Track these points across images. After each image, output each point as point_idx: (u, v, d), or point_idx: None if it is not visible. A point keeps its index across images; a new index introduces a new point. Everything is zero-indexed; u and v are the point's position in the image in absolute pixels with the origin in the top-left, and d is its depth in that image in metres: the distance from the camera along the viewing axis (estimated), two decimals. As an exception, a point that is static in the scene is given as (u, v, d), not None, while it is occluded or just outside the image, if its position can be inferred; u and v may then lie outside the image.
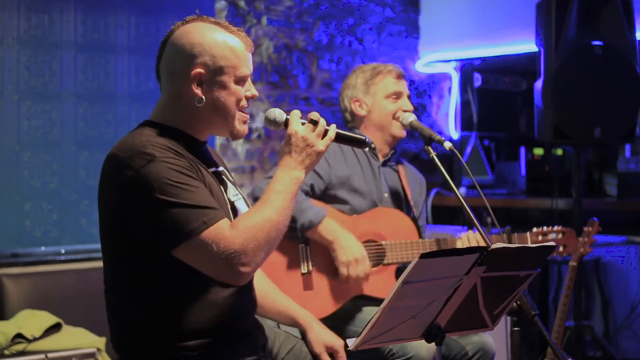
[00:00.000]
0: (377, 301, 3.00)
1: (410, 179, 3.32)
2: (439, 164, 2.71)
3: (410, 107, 3.23)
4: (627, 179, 4.59)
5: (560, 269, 4.77)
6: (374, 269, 3.06)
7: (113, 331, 2.21)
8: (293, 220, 2.94)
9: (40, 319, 3.35)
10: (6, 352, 3.19)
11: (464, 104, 5.62)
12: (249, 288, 2.29)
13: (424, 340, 2.12)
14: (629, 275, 4.88)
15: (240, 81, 2.21)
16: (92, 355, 3.27)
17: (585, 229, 3.54)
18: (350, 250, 2.96)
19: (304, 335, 2.53)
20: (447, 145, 2.74)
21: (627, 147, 4.75)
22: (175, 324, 2.12)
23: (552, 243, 2.20)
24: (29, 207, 3.95)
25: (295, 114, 2.25)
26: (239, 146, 4.64)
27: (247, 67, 2.22)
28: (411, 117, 3.10)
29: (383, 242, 3.05)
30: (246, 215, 2.10)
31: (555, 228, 3.20)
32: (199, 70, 2.16)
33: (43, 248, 3.96)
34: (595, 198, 4.68)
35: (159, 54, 2.23)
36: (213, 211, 2.04)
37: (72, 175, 4.06)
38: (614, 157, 4.80)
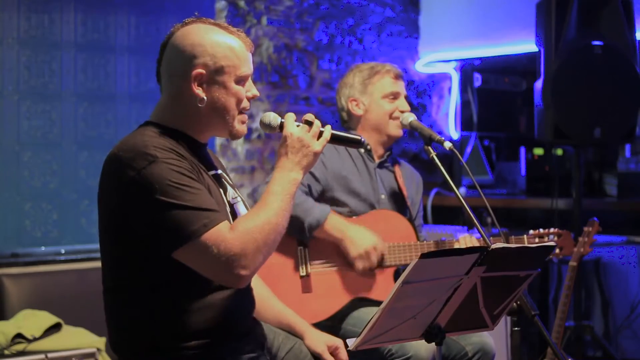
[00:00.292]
0: (375, 303, 3.00)
1: (406, 178, 3.31)
2: (439, 164, 2.70)
3: (407, 108, 3.23)
4: (627, 179, 4.59)
5: (560, 269, 4.77)
6: (370, 271, 3.06)
7: (111, 331, 2.21)
8: (299, 221, 2.94)
9: (40, 319, 3.35)
10: (6, 352, 3.19)
11: (464, 104, 5.62)
12: (247, 288, 2.29)
13: (423, 340, 2.12)
14: (629, 275, 4.88)
15: (240, 81, 2.21)
16: (92, 355, 3.27)
17: (585, 229, 3.54)
18: (360, 244, 2.97)
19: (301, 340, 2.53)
20: (447, 145, 2.74)
21: (627, 147, 4.74)
22: (174, 324, 2.12)
23: (552, 243, 2.20)
24: (29, 207, 3.95)
25: (290, 116, 2.25)
26: (239, 146, 4.64)
27: (247, 67, 2.22)
28: (411, 117, 3.09)
29: None
30: (245, 218, 2.11)
31: (552, 230, 3.21)
32: (200, 70, 2.16)
33: (43, 248, 3.97)
34: (595, 198, 4.68)
35: (159, 57, 2.24)
36: (214, 214, 2.04)
37: (72, 175, 4.06)
38: (614, 157, 4.80)
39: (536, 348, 4.54)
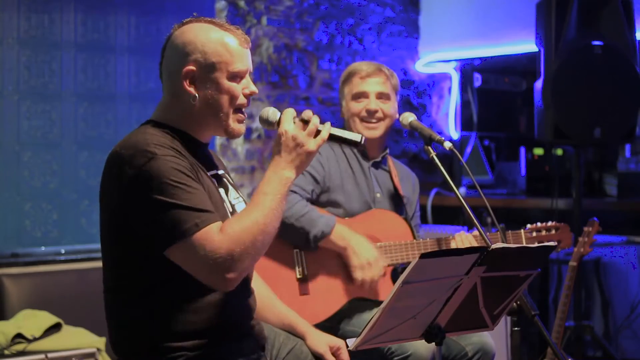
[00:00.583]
0: (373, 303, 3.00)
1: (402, 178, 3.29)
2: (439, 164, 2.70)
3: (375, 107, 3.13)
4: (627, 179, 4.59)
5: (560, 269, 4.77)
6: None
7: (112, 331, 2.21)
8: (305, 232, 2.94)
9: (40, 319, 3.35)
10: (6, 352, 3.19)
11: (464, 104, 5.63)
12: (247, 288, 2.29)
13: (423, 340, 2.13)
14: (629, 275, 4.88)
15: (234, 77, 2.19)
16: (92, 355, 3.27)
17: (585, 229, 3.54)
18: (362, 254, 2.96)
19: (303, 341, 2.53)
20: (447, 145, 2.73)
21: (627, 147, 4.75)
22: (173, 324, 2.12)
23: (552, 243, 2.19)
24: (29, 207, 3.95)
25: (288, 112, 2.21)
26: (239, 146, 4.64)
27: (241, 63, 2.19)
28: (411, 117, 3.08)
29: (377, 244, 3.04)
30: (234, 219, 2.07)
31: (550, 224, 3.18)
32: (191, 67, 2.16)
33: (43, 248, 3.97)
34: (595, 198, 4.68)
35: (161, 58, 2.25)
36: (206, 214, 2.03)
37: (72, 175, 4.06)
38: (614, 157, 4.80)
39: (536, 348, 4.54)
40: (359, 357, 2.50)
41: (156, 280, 2.11)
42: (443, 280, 2.01)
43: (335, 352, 2.48)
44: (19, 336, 3.23)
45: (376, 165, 3.24)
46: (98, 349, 3.31)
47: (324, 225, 2.96)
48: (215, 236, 2.01)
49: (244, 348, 2.22)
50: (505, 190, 5.30)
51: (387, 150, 3.29)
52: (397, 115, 3.22)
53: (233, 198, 2.31)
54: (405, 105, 5.44)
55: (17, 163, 3.93)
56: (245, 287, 2.26)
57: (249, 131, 4.67)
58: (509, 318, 2.54)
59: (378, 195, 3.20)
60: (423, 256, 1.92)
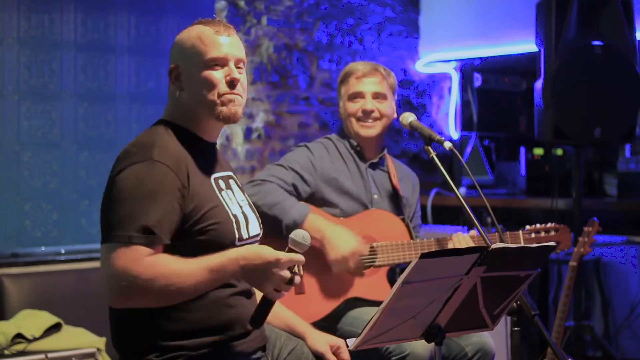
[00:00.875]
0: (370, 302, 3.00)
1: (401, 178, 3.28)
2: (439, 164, 2.70)
3: (371, 107, 3.13)
4: (627, 179, 4.59)
5: (560, 269, 4.77)
6: (365, 271, 3.05)
7: (113, 329, 2.22)
8: (278, 220, 2.94)
9: (40, 319, 3.35)
10: (6, 352, 3.19)
11: (464, 104, 5.63)
12: (250, 293, 2.30)
13: (423, 340, 2.13)
14: (629, 275, 4.88)
15: (210, 65, 2.19)
16: (92, 355, 3.26)
17: (585, 229, 3.54)
18: (338, 247, 2.93)
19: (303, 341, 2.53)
20: (447, 145, 2.73)
21: (627, 147, 4.75)
22: (174, 323, 2.13)
23: (552, 243, 2.20)
24: (29, 207, 3.95)
25: (293, 256, 2.08)
26: (239, 146, 4.64)
27: (216, 50, 2.19)
28: (411, 117, 3.07)
29: (374, 244, 3.04)
30: (175, 262, 2.02)
31: (549, 225, 3.18)
32: (172, 65, 2.23)
33: (43, 248, 3.96)
34: (595, 198, 4.68)
35: None
36: (150, 236, 2.02)
37: (72, 175, 4.06)
38: (614, 157, 4.80)
39: (536, 348, 4.54)
40: (357, 357, 2.50)
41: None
42: (443, 280, 2.01)
43: (335, 352, 2.48)
44: (19, 336, 3.22)
45: (373, 166, 3.24)
46: (98, 349, 3.30)
47: (296, 214, 2.95)
48: (143, 260, 2.00)
49: (244, 348, 2.23)
50: (505, 190, 5.30)
51: (385, 151, 3.28)
52: (395, 115, 3.22)
53: (240, 200, 2.31)
54: (405, 105, 5.44)
55: (17, 163, 3.93)
56: (246, 292, 2.27)
57: (249, 131, 4.66)
58: (509, 318, 2.54)
59: (375, 196, 3.19)
60: (423, 256, 1.92)
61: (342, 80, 3.22)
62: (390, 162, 3.30)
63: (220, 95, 2.19)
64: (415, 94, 5.53)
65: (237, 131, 4.62)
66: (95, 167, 4.05)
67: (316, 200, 3.11)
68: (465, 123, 5.62)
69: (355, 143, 3.21)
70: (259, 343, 2.30)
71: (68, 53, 4.05)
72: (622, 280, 4.90)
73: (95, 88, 4.14)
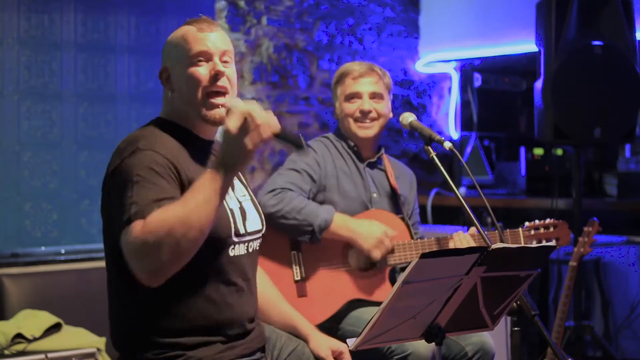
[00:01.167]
0: (372, 303, 3.00)
1: (399, 177, 3.29)
2: (439, 164, 2.70)
3: (368, 107, 3.13)
4: (627, 179, 4.59)
5: (560, 269, 4.77)
6: (366, 272, 3.05)
7: (112, 327, 2.23)
8: (308, 224, 2.95)
9: (40, 319, 3.35)
10: (6, 352, 3.19)
11: (464, 104, 5.63)
12: (250, 287, 2.29)
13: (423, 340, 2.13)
14: (629, 275, 4.88)
15: (195, 61, 2.20)
16: (92, 355, 3.26)
17: (585, 229, 3.54)
18: (370, 234, 2.96)
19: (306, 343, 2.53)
20: (447, 145, 2.73)
21: (627, 147, 4.75)
22: (172, 322, 2.13)
23: (552, 243, 2.20)
24: (29, 207, 3.95)
25: (238, 108, 2.03)
26: (239, 146, 4.63)
27: (200, 45, 2.19)
28: (411, 117, 3.07)
29: None
30: (156, 211, 1.99)
31: (548, 221, 3.18)
32: (163, 67, 2.26)
33: (43, 248, 3.96)
34: (595, 198, 4.68)
35: None
36: (147, 207, 1.99)
37: (72, 175, 4.06)
38: (614, 157, 4.80)
39: (536, 348, 4.54)
40: (358, 357, 2.50)
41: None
42: (443, 280, 2.01)
43: (337, 357, 2.48)
44: (19, 336, 3.22)
45: (371, 166, 3.24)
46: (98, 349, 3.30)
47: (325, 213, 2.97)
48: (138, 227, 1.96)
49: (243, 347, 2.23)
50: (505, 190, 5.30)
51: (382, 150, 3.29)
52: (391, 115, 3.23)
53: (240, 195, 2.31)
54: (405, 105, 5.44)
55: (17, 163, 3.93)
56: (246, 286, 2.26)
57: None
58: (509, 318, 2.54)
59: (375, 195, 3.19)
60: (423, 256, 1.92)
61: (338, 81, 3.22)
62: (387, 161, 3.30)
63: (205, 91, 2.18)
64: (415, 94, 5.53)
65: (237, 131, 4.62)
66: (95, 167, 4.05)
67: (317, 199, 3.11)
68: (465, 123, 5.62)
69: (352, 143, 3.21)
70: (258, 344, 2.30)
71: (68, 53, 4.05)
72: (622, 280, 4.91)
73: (95, 88, 4.13)
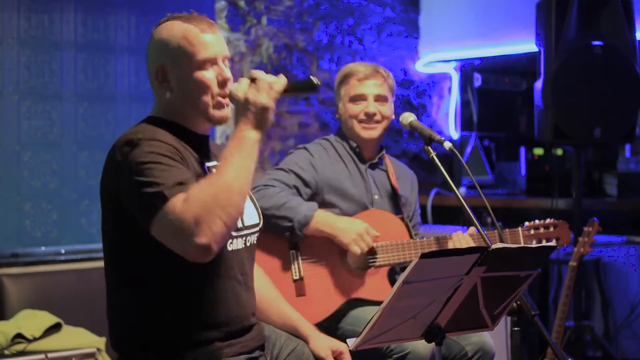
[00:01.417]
0: (371, 303, 3.00)
1: (400, 177, 3.28)
2: (439, 164, 2.70)
3: (373, 110, 3.13)
4: (627, 179, 4.60)
5: (560, 269, 4.77)
6: (365, 271, 3.05)
7: (111, 327, 2.22)
8: (288, 220, 2.94)
9: (40, 319, 3.35)
10: (6, 352, 3.19)
11: (464, 104, 5.63)
12: (248, 287, 2.29)
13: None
14: (629, 275, 4.88)
15: (202, 66, 2.18)
16: (92, 355, 3.27)
17: (585, 229, 3.54)
18: (351, 229, 2.95)
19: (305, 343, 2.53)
20: (447, 145, 2.73)
21: (627, 147, 4.75)
22: (171, 321, 2.13)
23: (552, 243, 2.20)
24: (29, 207, 3.95)
25: (242, 79, 2.15)
26: (239, 146, 4.63)
27: (206, 50, 2.18)
28: (411, 117, 3.07)
29: (374, 244, 3.04)
30: (195, 185, 2.00)
31: (548, 221, 3.17)
32: (160, 66, 2.22)
33: (43, 248, 3.97)
34: (595, 198, 4.68)
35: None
36: (177, 187, 1.99)
37: (72, 175, 4.06)
38: (614, 157, 4.80)
39: (536, 348, 4.54)
40: (358, 356, 2.50)
41: (154, 277, 2.12)
42: (443, 280, 2.01)
43: (337, 357, 2.48)
44: (19, 336, 3.23)
45: (373, 167, 3.24)
46: (98, 349, 3.31)
47: (306, 210, 2.96)
48: (178, 204, 1.95)
49: (242, 346, 2.23)
50: (505, 190, 5.30)
51: (383, 151, 3.29)
52: (394, 116, 3.23)
53: None
54: (405, 105, 5.44)
55: (17, 163, 3.93)
56: (245, 285, 2.26)
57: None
58: (509, 318, 2.54)
59: (376, 197, 3.19)
60: (423, 256, 1.92)
61: (342, 81, 3.22)
62: (389, 161, 3.30)
63: (214, 97, 2.19)
64: (415, 94, 5.53)
65: (237, 131, 4.62)
66: (95, 167, 4.05)
67: (316, 202, 3.11)
68: (465, 123, 5.62)
69: (354, 144, 3.21)
70: (257, 342, 2.30)
71: (68, 53, 4.06)
72: (622, 280, 4.91)
73: (95, 88, 4.14)
